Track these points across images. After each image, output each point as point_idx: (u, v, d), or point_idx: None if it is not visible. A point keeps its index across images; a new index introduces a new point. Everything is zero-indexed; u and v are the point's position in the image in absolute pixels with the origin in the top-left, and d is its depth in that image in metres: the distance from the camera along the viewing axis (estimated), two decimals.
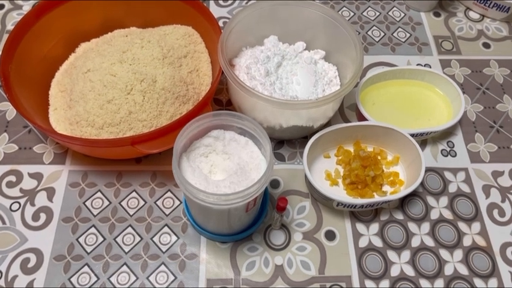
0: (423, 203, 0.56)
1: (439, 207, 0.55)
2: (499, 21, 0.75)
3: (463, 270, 0.51)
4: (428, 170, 0.58)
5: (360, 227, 0.53)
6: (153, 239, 0.52)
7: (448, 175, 0.58)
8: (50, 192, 0.54)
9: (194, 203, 0.42)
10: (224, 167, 0.46)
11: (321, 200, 0.54)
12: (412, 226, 0.54)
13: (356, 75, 0.52)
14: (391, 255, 0.52)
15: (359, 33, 0.72)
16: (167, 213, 0.53)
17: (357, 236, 0.53)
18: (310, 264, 0.51)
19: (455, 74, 0.68)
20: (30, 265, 0.49)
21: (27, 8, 0.72)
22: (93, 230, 0.52)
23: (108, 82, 0.53)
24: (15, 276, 0.49)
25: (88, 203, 0.54)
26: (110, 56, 0.56)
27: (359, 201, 0.51)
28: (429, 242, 0.53)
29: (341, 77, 0.60)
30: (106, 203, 0.54)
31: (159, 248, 0.51)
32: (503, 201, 0.56)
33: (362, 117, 0.59)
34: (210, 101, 0.52)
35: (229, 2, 0.75)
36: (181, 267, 0.50)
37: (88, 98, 0.53)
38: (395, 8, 0.75)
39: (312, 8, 0.58)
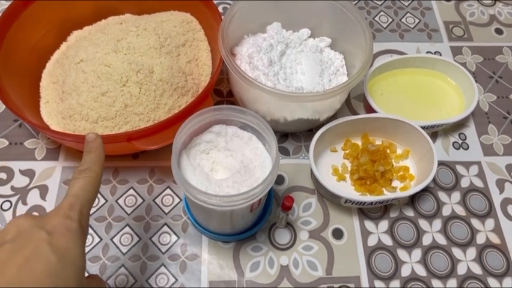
0: (434, 198, 0.53)
1: (451, 203, 0.53)
2: (511, 5, 0.71)
3: (477, 269, 0.49)
4: (439, 163, 0.55)
5: (369, 225, 0.51)
6: (152, 239, 0.49)
7: (460, 169, 0.55)
8: (43, 190, 0.51)
9: (195, 203, 0.40)
10: (226, 165, 0.43)
11: (327, 197, 0.52)
12: (423, 223, 0.51)
13: (365, 65, 0.49)
14: (401, 254, 0.49)
15: (366, 18, 0.68)
16: (166, 211, 0.51)
17: (365, 234, 0.50)
18: (317, 264, 0.49)
19: (466, 61, 0.65)
20: None
21: None
22: (89, 230, 0.49)
23: (102, 73, 0.50)
24: None
25: None
26: (104, 45, 0.53)
27: (368, 198, 0.49)
28: (441, 240, 0.51)
29: (348, 66, 0.57)
30: (102, 201, 0.51)
31: (158, 249, 0.48)
32: None
33: (369, 109, 0.56)
34: (210, 93, 0.49)
35: None
36: (181, 268, 0.48)
37: (81, 90, 0.50)
38: None
39: None
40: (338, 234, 0.50)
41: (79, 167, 0.36)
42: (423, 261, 0.49)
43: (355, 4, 0.70)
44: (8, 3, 0.58)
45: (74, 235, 0.31)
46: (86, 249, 0.48)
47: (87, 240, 0.48)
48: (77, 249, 0.31)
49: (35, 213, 0.50)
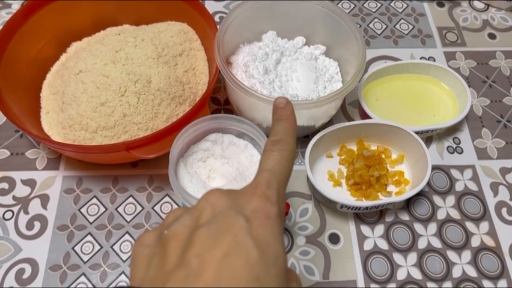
0: (429, 202, 0.54)
1: (446, 207, 0.54)
2: (504, 10, 0.72)
3: (472, 272, 0.50)
4: (434, 168, 0.56)
5: (365, 229, 0.52)
6: None
7: (455, 173, 0.56)
8: (44, 200, 0.52)
9: None
10: (223, 172, 0.44)
11: (324, 202, 0.53)
12: (418, 227, 0.52)
13: (358, 71, 0.50)
14: (397, 257, 0.50)
15: (360, 26, 0.69)
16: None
17: (361, 238, 0.51)
18: (314, 269, 0.49)
19: (460, 66, 0.66)
20: (25, 276, 0.48)
21: (16, 6, 0.70)
22: (89, 238, 0.50)
23: (101, 84, 0.51)
24: None
25: (83, 210, 0.52)
26: (102, 56, 0.54)
27: (364, 203, 0.49)
28: (437, 243, 0.51)
29: (343, 73, 0.58)
30: (102, 209, 0.52)
31: None
32: None
33: (364, 114, 0.57)
34: (207, 102, 0.50)
35: None
36: None
37: (80, 101, 0.51)
38: None
39: (311, 1, 0.56)
40: (334, 239, 0.51)
41: (271, 136, 0.31)
42: (419, 265, 0.50)
43: (349, 11, 0.71)
44: (9, 15, 0.59)
45: (274, 224, 0.26)
46: (86, 258, 0.49)
47: (88, 248, 0.49)
48: (278, 243, 0.25)
49: (36, 222, 0.51)
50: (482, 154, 0.58)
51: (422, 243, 0.51)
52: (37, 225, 0.51)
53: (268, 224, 0.25)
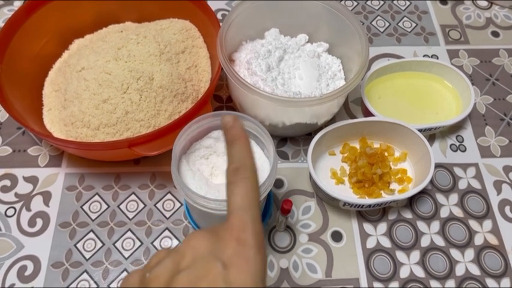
0: (432, 200, 0.54)
1: (449, 205, 0.53)
2: (508, 8, 0.72)
3: (475, 270, 0.49)
4: (437, 166, 0.56)
5: (368, 227, 0.52)
6: (154, 243, 0.50)
7: (458, 171, 0.56)
8: (46, 196, 0.52)
9: (195, 208, 0.41)
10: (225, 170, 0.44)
11: (326, 200, 0.52)
12: (421, 225, 0.52)
13: (361, 69, 0.50)
14: (400, 256, 0.50)
15: (363, 23, 0.69)
16: (167, 216, 0.52)
17: (364, 236, 0.51)
18: (316, 266, 0.49)
19: (463, 64, 0.65)
20: (27, 273, 0.48)
21: (18, 3, 0.70)
22: (91, 235, 0.50)
23: (103, 81, 0.51)
24: (12, 285, 0.47)
25: (85, 207, 0.52)
26: (104, 53, 0.54)
27: (366, 201, 0.49)
28: (440, 241, 0.51)
29: (345, 70, 0.58)
30: (104, 206, 0.52)
31: None
32: None
33: (367, 112, 0.57)
34: (209, 99, 0.50)
35: None
36: None
37: (82, 98, 0.51)
38: None
39: None
40: (337, 236, 0.51)
41: (228, 163, 0.30)
42: (422, 263, 0.50)
43: (352, 9, 0.71)
44: (11, 13, 0.59)
45: (251, 267, 0.26)
46: (89, 255, 0.49)
47: (90, 245, 0.49)
48: (257, 284, 0.26)
49: (38, 219, 0.51)
50: (485, 152, 0.58)
51: (425, 242, 0.51)
52: (39, 222, 0.51)
53: (245, 268, 0.26)
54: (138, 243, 0.50)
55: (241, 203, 0.28)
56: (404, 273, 0.49)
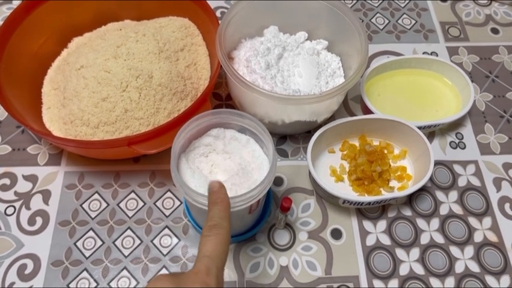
0: (432, 198, 0.54)
1: (449, 202, 0.53)
2: (507, 5, 0.72)
3: (474, 267, 0.50)
4: (436, 163, 0.56)
5: (367, 225, 0.52)
6: (153, 241, 0.50)
7: (457, 168, 0.56)
8: (46, 195, 0.52)
9: (195, 206, 0.41)
10: (225, 167, 0.44)
11: (326, 198, 0.52)
12: (421, 222, 0.52)
13: (361, 66, 0.49)
14: (400, 253, 0.50)
15: (363, 20, 0.69)
16: (167, 214, 0.52)
17: (364, 234, 0.51)
18: (316, 264, 0.49)
19: (463, 61, 0.65)
20: (27, 271, 0.48)
21: (17, 2, 0.69)
22: (91, 233, 0.50)
23: (102, 79, 0.51)
24: (12, 284, 0.47)
25: (85, 206, 0.52)
26: (104, 51, 0.54)
27: (366, 198, 0.49)
28: (439, 238, 0.51)
29: (345, 68, 0.58)
30: (104, 205, 0.52)
31: (160, 251, 0.49)
32: None
33: (367, 110, 0.57)
34: (208, 97, 0.50)
35: None
36: (183, 270, 0.48)
37: (82, 96, 0.51)
38: None
39: None
40: (336, 234, 0.51)
41: (207, 221, 0.35)
42: (422, 260, 0.50)
43: (351, 6, 0.71)
44: (10, 11, 0.59)
45: None
46: (89, 253, 0.49)
47: (90, 244, 0.49)
48: None
49: (38, 218, 0.51)
50: (485, 149, 0.58)
51: (424, 239, 0.51)
52: (39, 220, 0.51)
53: None
54: (138, 242, 0.50)
55: (210, 252, 0.33)
56: (403, 270, 0.49)
